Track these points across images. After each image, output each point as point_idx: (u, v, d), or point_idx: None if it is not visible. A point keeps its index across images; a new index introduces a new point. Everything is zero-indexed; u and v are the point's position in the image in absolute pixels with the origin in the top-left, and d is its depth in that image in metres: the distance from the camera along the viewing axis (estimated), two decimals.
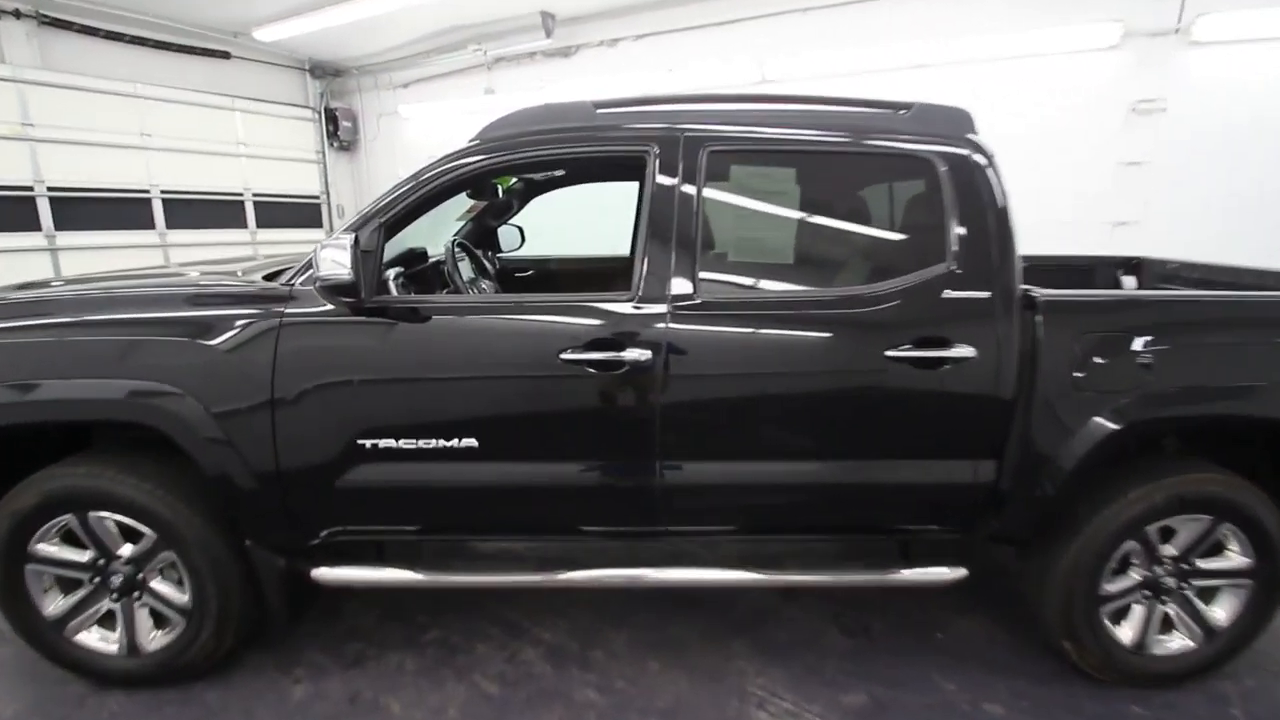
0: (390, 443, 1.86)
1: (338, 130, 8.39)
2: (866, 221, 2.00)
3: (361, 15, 6.14)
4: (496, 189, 3.05)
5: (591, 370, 1.82)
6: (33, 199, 6.12)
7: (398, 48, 7.47)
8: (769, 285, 1.93)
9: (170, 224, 7.10)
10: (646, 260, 1.86)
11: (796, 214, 1.95)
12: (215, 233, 7.48)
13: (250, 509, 1.90)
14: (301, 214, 8.31)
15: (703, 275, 1.85)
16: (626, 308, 1.85)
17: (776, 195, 1.89)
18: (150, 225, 6.98)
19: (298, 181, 8.28)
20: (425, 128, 7.95)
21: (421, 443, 1.86)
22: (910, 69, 5.02)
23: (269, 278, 2.02)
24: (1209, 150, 4.54)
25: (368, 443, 1.86)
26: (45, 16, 6.25)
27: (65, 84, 6.27)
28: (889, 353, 1.82)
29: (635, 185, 3.41)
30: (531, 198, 3.29)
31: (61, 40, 6.43)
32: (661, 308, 1.84)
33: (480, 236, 3.35)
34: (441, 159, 1.92)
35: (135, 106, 6.73)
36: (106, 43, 6.70)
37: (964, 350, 1.82)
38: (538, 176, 3.03)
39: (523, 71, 6.96)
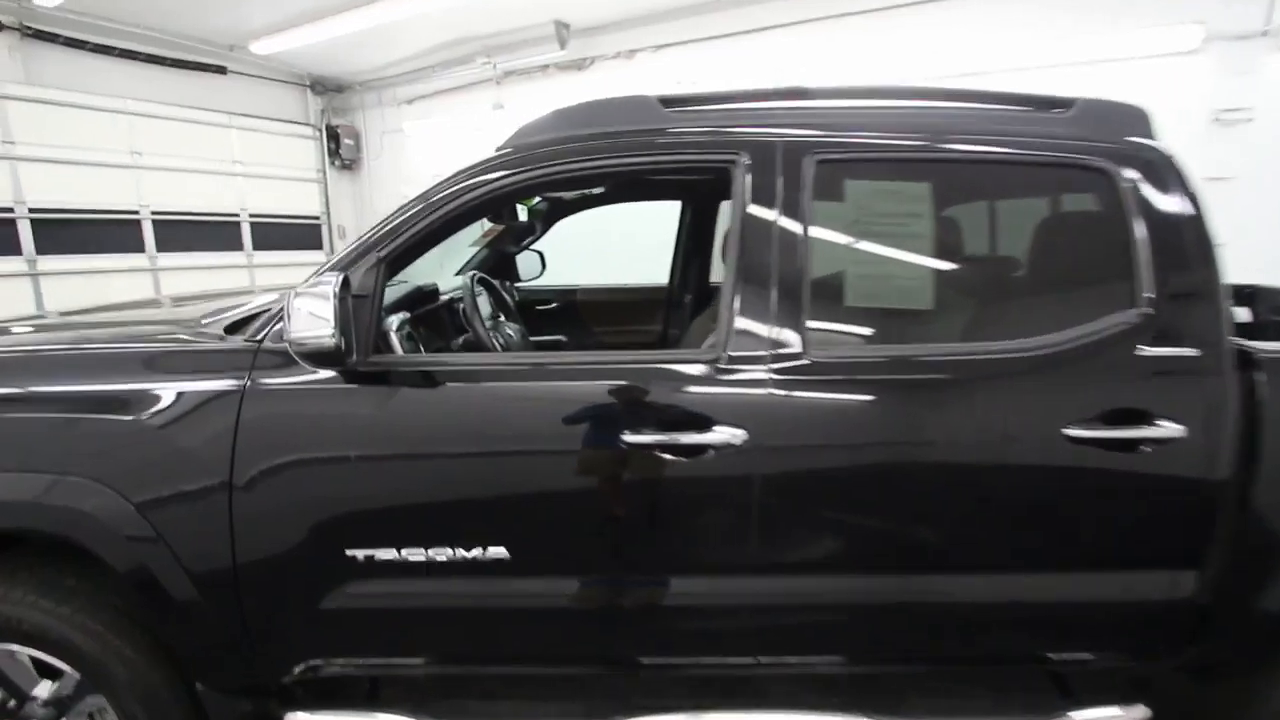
0: (391, 553, 1.37)
1: (339, 148, 8.03)
2: (1028, 253, 1.52)
3: (363, 26, 5.76)
4: (517, 210, 2.59)
5: (665, 455, 1.34)
6: (13, 221, 5.71)
7: (402, 61, 7.10)
8: (902, 339, 1.45)
9: (161, 247, 6.70)
10: (737, 304, 1.38)
11: (934, 244, 1.46)
12: (209, 255, 7.09)
13: (195, 633, 1.41)
14: (301, 235, 7.91)
15: (812, 325, 1.38)
16: (711, 371, 1.37)
17: (907, 219, 1.42)
18: (140, 248, 6.58)
19: (297, 202, 7.90)
20: (430, 145, 7.56)
21: (433, 553, 1.37)
22: (966, 76, 4.58)
23: (234, 327, 1.54)
24: None
25: (360, 553, 1.37)
26: (29, 28, 5.89)
27: (50, 99, 5.91)
28: (1071, 431, 1.33)
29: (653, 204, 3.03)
30: (558, 219, 2.83)
31: (47, 53, 6.07)
32: (759, 370, 1.36)
33: (495, 264, 2.89)
34: (461, 173, 1.46)
35: (125, 123, 6.36)
36: (95, 56, 6.33)
37: (1169, 428, 1.34)
38: (568, 195, 2.57)
39: (534, 86, 6.57)
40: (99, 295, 5.94)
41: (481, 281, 2.14)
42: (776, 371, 1.35)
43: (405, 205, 1.44)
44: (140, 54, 6.54)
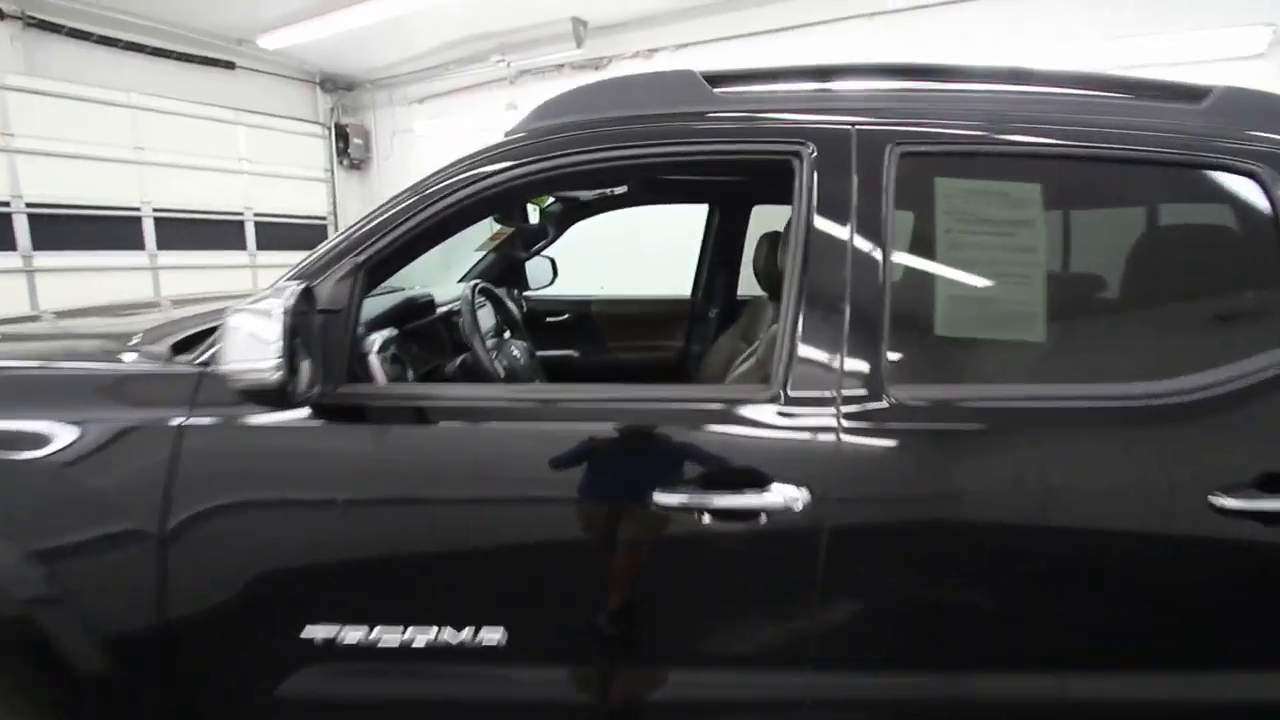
0: (360, 634, 1.10)
1: (348, 148, 7.83)
2: (1160, 273, 1.23)
3: (373, 20, 5.56)
4: (528, 210, 2.33)
5: (706, 520, 1.06)
6: (9, 215, 5.53)
7: (414, 59, 6.90)
8: (1006, 378, 1.16)
9: (162, 245, 6.53)
10: (799, 330, 1.11)
11: (1048, 259, 1.17)
12: (211, 254, 6.91)
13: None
14: (306, 236, 7.69)
15: (893, 360, 1.10)
16: (766, 413, 1.09)
17: (1013, 228, 1.14)
18: (140, 246, 6.40)
19: (303, 201, 7.71)
20: (441, 146, 7.34)
21: (412, 633, 1.10)
22: None
23: (184, 345, 1.27)
24: None
25: (319, 634, 1.10)
26: (32, 18, 5.72)
27: (51, 91, 5.73)
28: (1219, 501, 1.05)
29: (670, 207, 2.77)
30: (573, 222, 2.56)
31: (50, 44, 5.90)
32: (826, 415, 1.08)
33: (502, 271, 2.63)
34: (459, 164, 1.20)
35: (129, 117, 6.19)
36: (99, 48, 6.16)
37: None
38: (586, 195, 2.30)
39: (548, 85, 6.33)
40: (97, 293, 5.80)
41: (484, 292, 1.86)
42: (848, 416, 1.08)
43: (391, 201, 1.17)
44: (146, 47, 6.38)
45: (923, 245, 1.14)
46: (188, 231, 6.65)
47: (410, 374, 1.37)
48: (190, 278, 6.62)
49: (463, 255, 2.64)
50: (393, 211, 1.15)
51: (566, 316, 2.80)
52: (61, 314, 1.97)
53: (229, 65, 6.95)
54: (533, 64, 6.30)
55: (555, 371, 2.74)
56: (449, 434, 1.13)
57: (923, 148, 1.14)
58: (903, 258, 1.12)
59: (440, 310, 1.78)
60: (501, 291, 2.32)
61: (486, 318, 1.95)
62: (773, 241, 2.05)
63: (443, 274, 2.68)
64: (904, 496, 1.09)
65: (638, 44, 5.91)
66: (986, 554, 1.10)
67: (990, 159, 1.17)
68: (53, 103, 5.65)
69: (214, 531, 1.08)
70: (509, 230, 2.33)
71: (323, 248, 1.14)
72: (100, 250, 6.06)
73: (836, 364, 1.09)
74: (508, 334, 1.93)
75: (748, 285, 2.70)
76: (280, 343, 0.92)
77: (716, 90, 1.22)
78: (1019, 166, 1.17)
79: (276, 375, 0.93)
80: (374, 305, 1.49)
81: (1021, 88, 1.26)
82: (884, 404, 1.08)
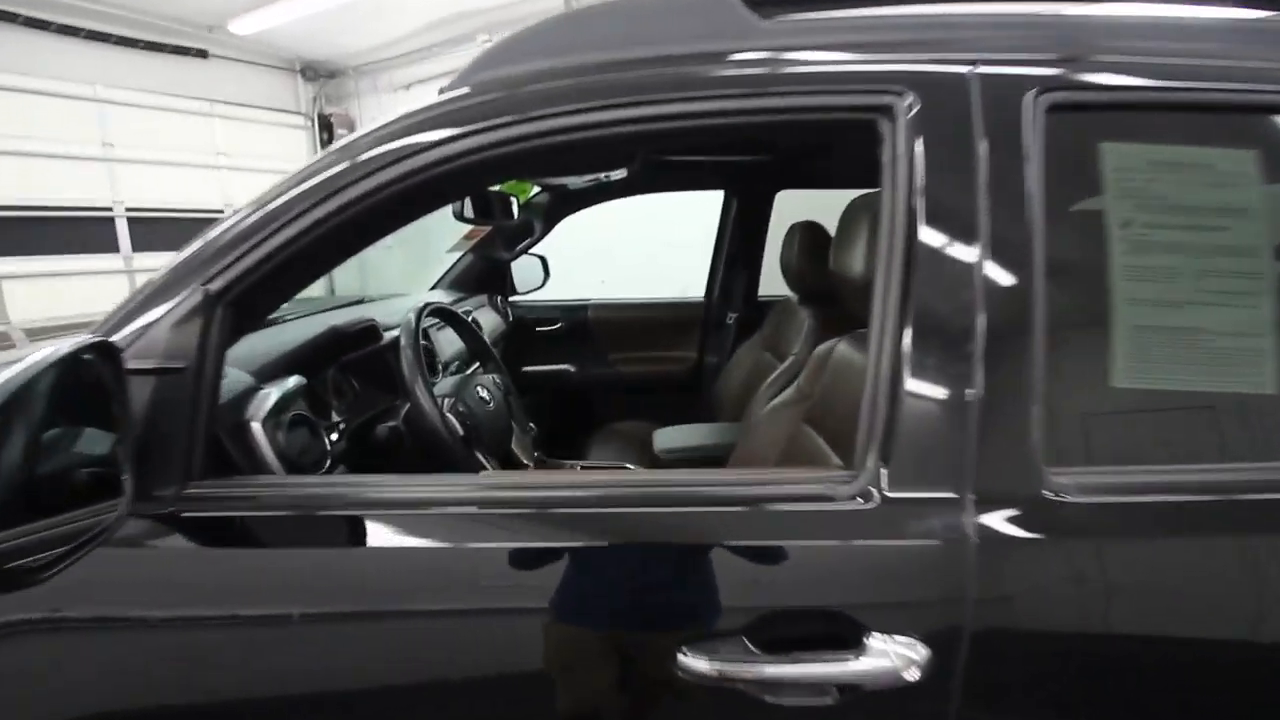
0: None
1: (332, 138, 7.45)
2: None
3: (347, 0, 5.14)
4: (510, 202, 1.92)
5: (765, 698, 0.67)
6: None
7: (397, 42, 6.50)
8: (1223, 454, 0.75)
9: (137, 246, 6.20)
10: (901, 388, 0.70)
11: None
12: None
13: None
14: None
15: (1053, 430, 0.69)
16: (852, 520, 0.69)
17: (1226, 218, 0.73)
18: (114, 248, 6.09)
19: None
20: None
21: None
22: None
23: None
24: None
25: None
26: None
27: (9, 85, 5.38)
28: None
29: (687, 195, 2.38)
30: (562, 216, 2.15)
31: (5, 35, 5.51)
32: (951, 521, 0.68)
33: (482, 275, 2.24)
34: (382, 128, 0.80)
35: (95, 111, 5.85)
36: (60, 38, 5.76)
37: None
38: (578, 181, 1.87)
39: None
40: (67, 300, 5.48)
41: (438, 313, 1.39)
42: (988, 523, 0.67)
43: (262, 197, 0.77)
44: (111, 36, 5.98)
45: (1088, 248, 0.73)
46: (165, 231, 6.33)
47: (329, 440, 0.97)
48: None
49: (434, 250, 2.25)
50: (258, 216, 0.75)
51: (560, 325, 2.40)
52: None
53: (201, 54, 6.55)
54: None
55: (548, 389, 2.35)
56: (351, 561, 0.73)
57: (1081, 96, 0.73)
58: (1059, 268, 0.72)
59: (388, 336, 1.34)
60: (473, 302, 1.91)
61: (449, 344, 1.54)
62: (809, 233, 1.65)
63: (419, 275, 2.29)
64: (1084, 650, 0.69)
65: None
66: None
67: (1188, 113, 0.75)
68: (10, 97, 5.31)
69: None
70: (485, 230, 1.93)
71: (152, 282, 0.74)
72: (71, 254, 5.75)
73: (965, 439, 0.68)
74: (476, 367, 1.51)
75: (770, 284, 2.31)
76: None
77: (762, 21, 0.80)
78: (1232, 124, 0.75)
79: None
80: (280, 338, 1.09)
81: (1225, 11, 0.84)
82: (1043, 499, 0.68)
